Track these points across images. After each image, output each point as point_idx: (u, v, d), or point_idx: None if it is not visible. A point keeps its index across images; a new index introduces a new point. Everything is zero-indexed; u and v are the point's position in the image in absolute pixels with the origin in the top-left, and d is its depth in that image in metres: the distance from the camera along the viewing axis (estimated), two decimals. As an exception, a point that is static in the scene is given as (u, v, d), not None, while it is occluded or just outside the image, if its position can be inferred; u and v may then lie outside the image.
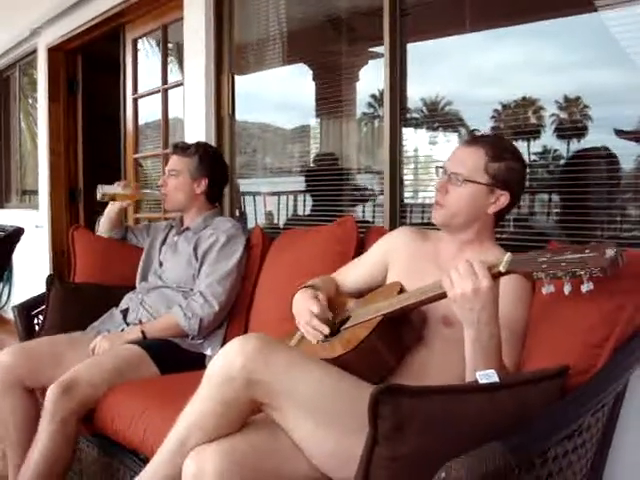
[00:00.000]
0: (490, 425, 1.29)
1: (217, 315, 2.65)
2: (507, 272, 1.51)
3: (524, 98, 2.62)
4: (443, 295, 1.59)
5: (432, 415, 1.25)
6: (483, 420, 1.30)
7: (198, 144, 2.98)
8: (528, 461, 1.28)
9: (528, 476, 1.29)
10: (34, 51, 5.80)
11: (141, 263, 3.00)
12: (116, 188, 3.06)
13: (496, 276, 1.52)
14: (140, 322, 2.67)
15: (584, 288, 1.37)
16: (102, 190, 3.00)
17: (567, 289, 1.40)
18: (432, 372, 1.72)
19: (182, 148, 2.93)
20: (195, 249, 2.77)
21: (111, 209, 3.10)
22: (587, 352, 1.47)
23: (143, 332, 2.59)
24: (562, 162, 2.58)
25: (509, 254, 1.53)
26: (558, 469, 1.37)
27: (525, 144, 2.65)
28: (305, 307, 1.94)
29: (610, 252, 1.35)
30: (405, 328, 1.76)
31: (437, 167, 2.02)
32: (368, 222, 2.99)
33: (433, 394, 1.28)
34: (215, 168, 2.93)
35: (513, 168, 1.86)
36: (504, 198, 1.85)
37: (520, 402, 1.35)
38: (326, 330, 1.86)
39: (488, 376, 1.39)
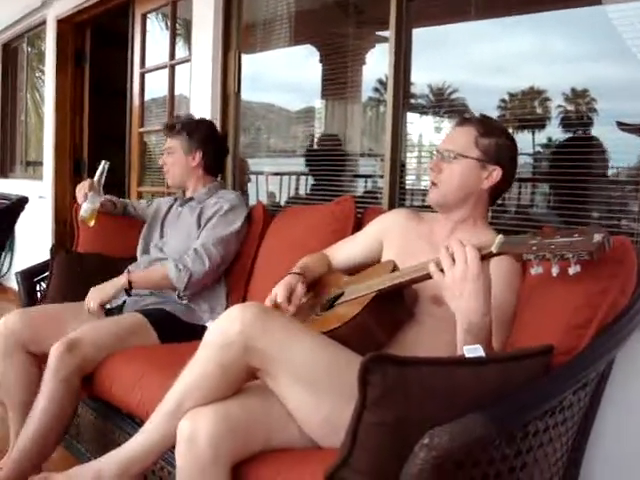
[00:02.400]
0: (474, 398, 1.33)
1: (206, 274, 2.68)
2: (498, 253, 1.55)
3: (531, 88, 2.66)
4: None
5: (418, 385, 1.30)
6: (467, 392, 1.34)
7: (184, 121, 3.01)
8: (509, 433, 1.33)
9: (509, 449, 1.34)
10: (43, 23, 5.81)
11: (142, 236, 3.05)
12: (89, 205, 2.82)
13: (487, 257, 1.57)
14: (128, 271, 2.73)
15: (571, 270, 1.41)
16: (83, 215, 2.83)
17: (555, 271, 1.44)
18: (422, 349, 1.75)
19: (169, 128, 2.98)
20: (199, 217, 2.83)
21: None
22: (571, 333, 1.51)
23: (130, 281, 2.63)
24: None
25: (501, 235, 1.57)
26: (539, 444, 1.42)
27: (530, 134, 2.69)
28: (275, 291, 2.01)
29: (598, 237, 1.39)
30: (397, 305, 1.80)
31: (432, 152, 2.08)
32: (368, 202, 3.02)
33: (420, 364, 1.32)
34: (206, 140, 2.98)
35: (503, 144, 1.93)
36: (496, 173, 1.91)
37: (504, 377, 1.39)
38: None
39: (474, 351, 1.44)
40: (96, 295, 2.59)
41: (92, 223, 2.85)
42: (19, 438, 2.28)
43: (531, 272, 1.49)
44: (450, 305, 1.58)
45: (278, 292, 1.99)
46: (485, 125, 1.95)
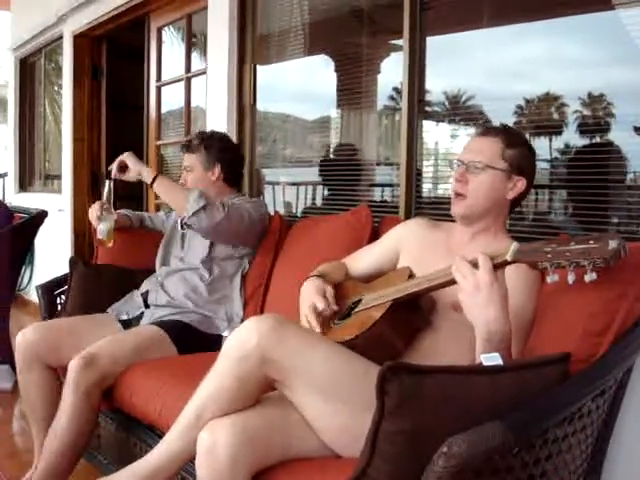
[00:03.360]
0: (491, 406, 1.33)
1: (216, 224, 2.66)
2: (513, 261, 1.54)
3: (547, 94, 2.66)
4: (453, 281, 1.62)
5: (435, 393, 1.30)
6: (484, 400, 1.34)
7: (199, 136, 3.03)
8: (527, 441, 1.33)
9: (528, 456, 1.34)
10: (60, 37, 5.88)
11: (161, 247, 3.06)
12: (104, 226, 2.86)
13: (502, 265, 1.57)
14: (162, 287, 2.79)
15: (587, 278, 1.41)
16: (101, 238, 2.88)
17: (571, 279, 1.43)
18: (440, 357, 1.74)
19: (187, 146, 3.00)
20: None
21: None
22: (588, 340, 1.51)
23: (156, 176, 2.74)
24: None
25: (516, 243, 1.57)
26: (558, 451, 1.41)
27: (547, 140, 2.69)
28: (310, 299, 1.99)
29: (613, 243, 1.39)
30: (414, 313, 1.80)
31: (451, 161, 2.07)
32: (385, 211, 3.02)
33: (437, 373, 1.33)
34: (224, 152, 2.99)
35: (527, 154, 1.94)
36: (521, 184, 1.91)
37: (521, 385, 1.40)
38: (318, 330, 1.90)
39: (492, 359, 1.44)
40: (131, 158, 2.81)
41: (110, 244, 2.88)
42: (43, 453, 2.30)
43: (547, 280, 1.49)
44: (467, 316, 1.57)
45: (315, 300, 1.96)
46: (510, 136, 1.94)
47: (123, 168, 2.83)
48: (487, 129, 2.03)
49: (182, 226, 2.71)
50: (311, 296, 2.00)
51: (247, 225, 2.80)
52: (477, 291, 1.53)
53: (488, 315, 1.53)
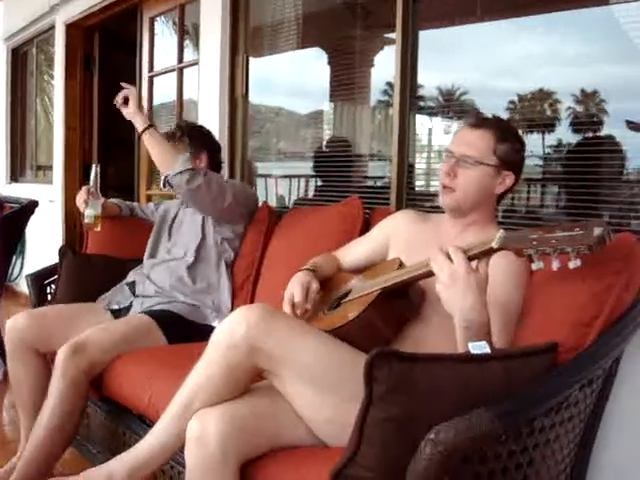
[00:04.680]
0: (479, 394, 1.34)
1: (197, 186, 2.64)
2: (499, 248, 1.54)
3: (540, 90, 2.66)
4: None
5: (424, 380, 1.31)
6: (472, 389, 1.35)
7: (178, 126, 3.05)
8: (515, 429, 1.34)
9: (515, 445, 1.35)
10: (51, 27, 5.85)
11: (150, 240, 3.06)
12: (91, 211, 2.84)
13: (489, 253, 1.56)
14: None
15: (571, 264, 1.40)
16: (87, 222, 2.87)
17: (555, 265, 1.43)
18: (428, 346, 1.75)
19: (171, 136, 2.98)
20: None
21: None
22: (576, 330, 1.51)
23: (148, 127, 2.68)
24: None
25: (502, 231, 1.56)
26: (545, 440, 1.42)
27: (540, 136, 2.70)
28: (290, 290, 2.00)
29: (598, 230, 1.39)
30: (403, 302, 1.80)
31: (441, 152, 2.07)
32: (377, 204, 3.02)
33: (426, 361, 1.33)
34: (207, 141, 3.04)
35: (517, 149, 1.93)
36: (509, 179, 1.91)
37: (509, 374, 1.40)
38: None
39: (480, 347, 1.45)
40: (132, 93, 2.72)
41: (98, 228, 2.87)
42: (29, 439, 2.29)
43: (532, 267, 1.48)
44: (444, 305, 1.57)
45: (295, 291, 1.98)
46: (502, 130, 1.92)
47: (126, 101, 2.76)
48: (479, 121, 2.00)
49: (164, 184, 2.69)
50: (293, 286, 2.02)
51: (230, 199, 2.78)
52: (453, 281, 1.53)
53: (465, 304, 1.53)
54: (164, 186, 2.71)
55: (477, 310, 1.53)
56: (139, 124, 2.70)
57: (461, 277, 1.53)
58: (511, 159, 1.91)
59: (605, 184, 2.42)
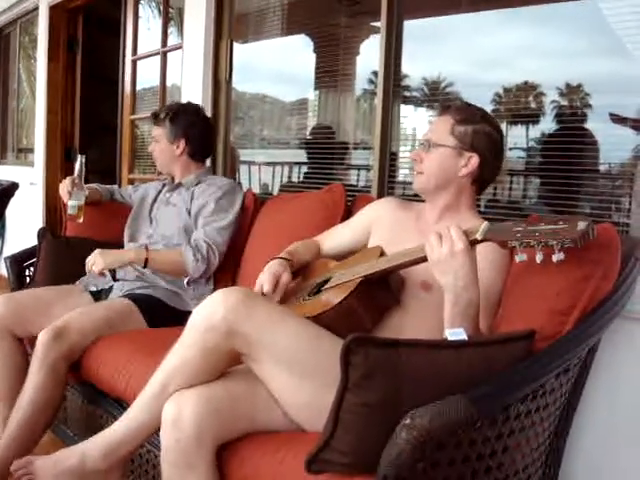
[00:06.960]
0: (456, 380, 1.35)
1: (215, 266, 2.71)
2: (483, 240, 1.55)
3: (525, 83, 2.67)
4: (422, 259, 1.64)
5: (400, 366, 1.31)
6: (449, 375, 1.35)
7: (167, 108, 3.02)
8: (490, 415, 1.34)
9: (490, 431, 1.35)
10: (35, 9, 5.79)
11: (128, 222, 3.04)
12: (75, 202, 2.83)
13: (472, 243, 1.57)
14: (146, 249, 2.67)
15: (555, 258, 1.41)
16: (71, 213, 2.85)
17: (539, 258, 1.43)
18: (407, 335, 1.75)
19: (155, 116, 3.00)
20: (190, 203, 2.84)
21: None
22: (554, 318, 1.53)
23: (147, 260, 2.61)
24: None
25: (486, 222, 1.59)
26: (520, 428, 1.43)
27: (524, 129, 2.70)
28: (261, 280, 2.01)
29: (582, 225, 1.40)
30: (383, 291, 1.80)
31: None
32: (359, 192, 3.03)
33: (401, 347, 1.33)
34: (191, 127, 2.97)
35: (481, 131, 1.92)
36: (474, 160, 1.92)
37: (486, 361, 1.41)
38: None
39: (457, 334, 1.45)
40: (100, 261, 2.54)
41: (81, 219, 2.86)
42: (8, 425, 2.27)
43: (515, 260, 1.49)
44: (440, 281, 1.59)
45: (264, 282, 1.99)
46: (462, 112, 1.95)
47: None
48: (444, 107, 2.06)
49: (188, 283, 2.73)
50: (264, 275, 2.02)
51: (233, 232, 2.83)
52: (452, 256, 1.55)
53: (458, 281, 1.55)
54: (187, 284, 2.73)
55: (471, 288, 1.56)
56: (135, 261, 2.63)
57: (461, 252, 1.55)
58: (473, 140, 1.92)
59: (585, 175, 2.43)
